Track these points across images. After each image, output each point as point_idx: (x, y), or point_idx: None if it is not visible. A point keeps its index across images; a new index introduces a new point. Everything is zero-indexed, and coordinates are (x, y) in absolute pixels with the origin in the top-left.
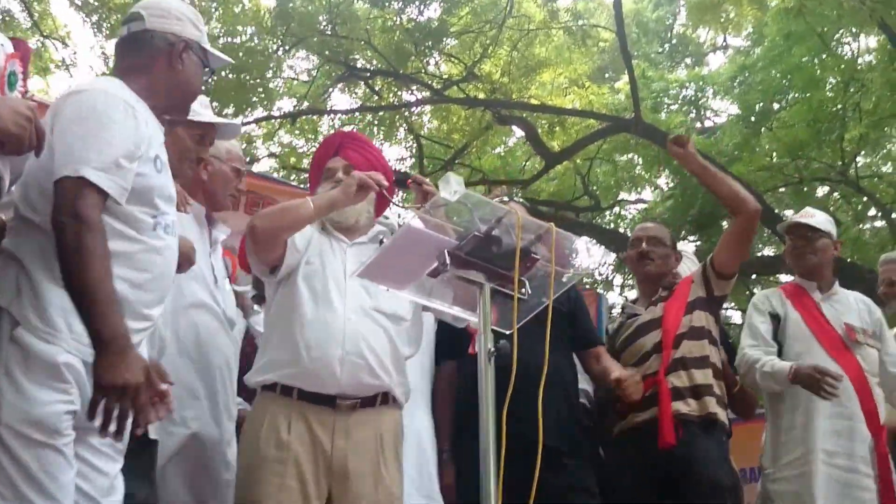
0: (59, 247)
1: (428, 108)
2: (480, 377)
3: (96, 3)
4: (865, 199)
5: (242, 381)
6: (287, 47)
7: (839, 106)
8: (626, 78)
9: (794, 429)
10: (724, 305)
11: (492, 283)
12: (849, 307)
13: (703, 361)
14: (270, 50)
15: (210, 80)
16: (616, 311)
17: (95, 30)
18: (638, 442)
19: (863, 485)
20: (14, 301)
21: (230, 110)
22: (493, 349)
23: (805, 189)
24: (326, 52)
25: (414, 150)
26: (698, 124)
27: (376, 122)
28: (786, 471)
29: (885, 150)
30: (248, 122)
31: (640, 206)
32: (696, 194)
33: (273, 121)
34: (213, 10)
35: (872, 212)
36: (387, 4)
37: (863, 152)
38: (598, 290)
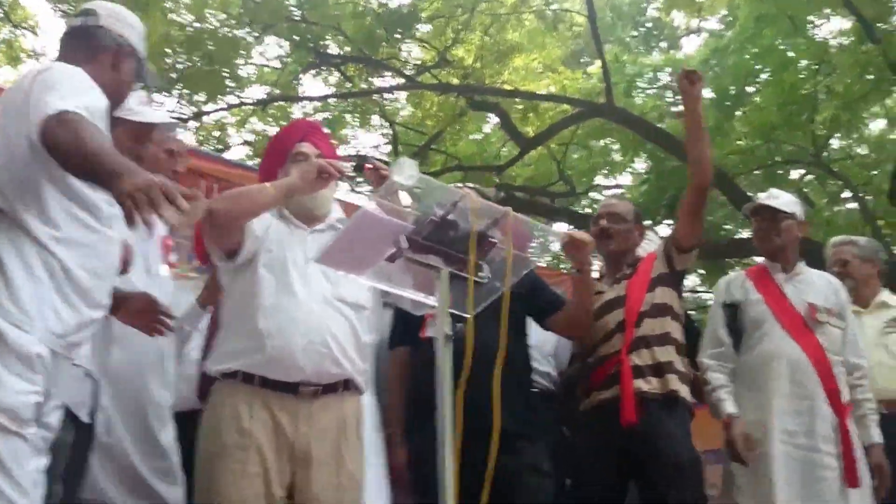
0: (58, 148)
1: (402, 95)
2: (438, 360)
3: None
4: (839, 181)
5: None
6: (256, 34)
7: (810, 88)
8: (600, 62)
9: (752, 410)
10: (700, 290)
11: (450, 267)
12: (813, 286)
13: (665, 338)
14: (239, 36)
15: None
16: None
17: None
18: (602, 420)
19: (824, 463)
20: None
21: (201, 97)
22: (450, 333)
23: (779, 172)
24: (296, 38)
25: (389, 138)
26: (673, 108)
27: (350, 109)
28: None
29: (857, 133)
30: (220, 109)
31: (616, 191)
32: (671, 179)
33: (244, 108)
34: None
35: (846, 194)
36: None
37: (836, 135)
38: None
